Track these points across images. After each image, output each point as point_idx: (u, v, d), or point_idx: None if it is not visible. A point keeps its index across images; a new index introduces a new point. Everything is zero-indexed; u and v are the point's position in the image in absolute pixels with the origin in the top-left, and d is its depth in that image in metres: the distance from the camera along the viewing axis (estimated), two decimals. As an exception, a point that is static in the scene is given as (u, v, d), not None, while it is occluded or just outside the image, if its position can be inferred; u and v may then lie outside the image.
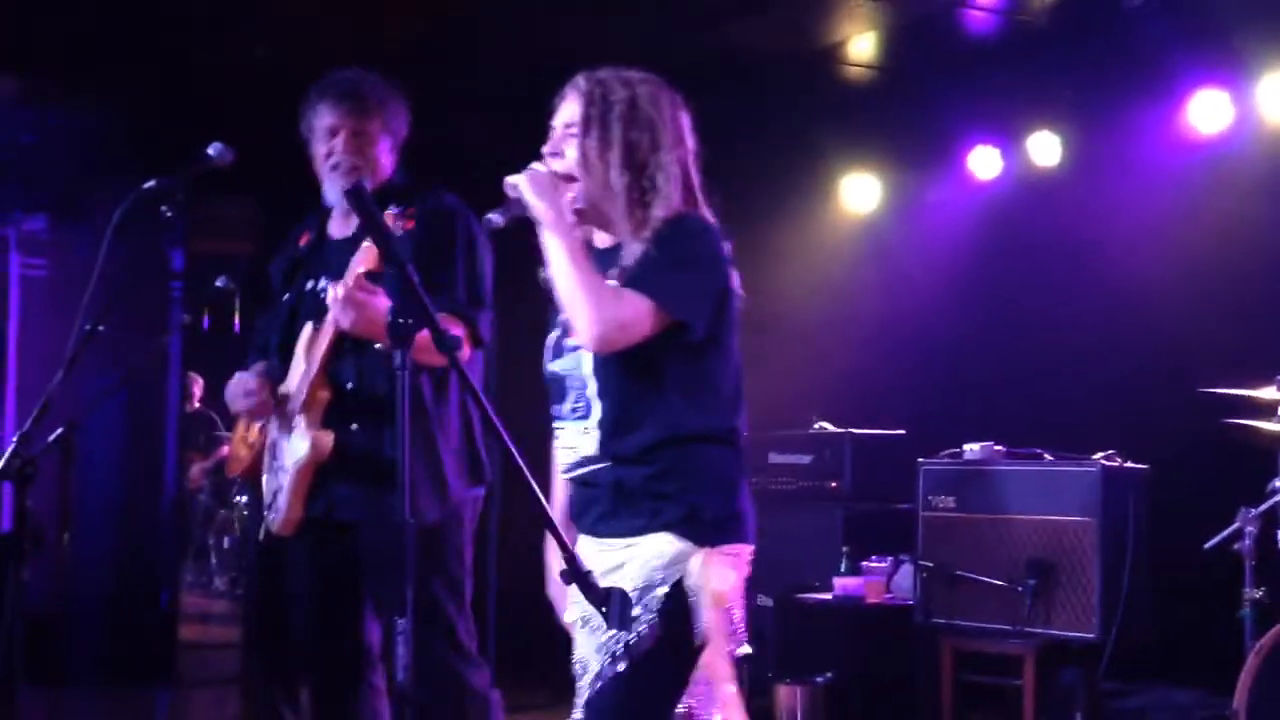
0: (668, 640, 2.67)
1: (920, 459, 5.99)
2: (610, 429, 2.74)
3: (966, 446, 5.92)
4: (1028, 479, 5.65)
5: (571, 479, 2.87)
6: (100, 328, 3.68)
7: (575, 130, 2.76)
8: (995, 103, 7.08)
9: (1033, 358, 6.88)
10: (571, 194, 2.76)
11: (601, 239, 2.86)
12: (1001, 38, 6.67)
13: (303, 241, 3.95)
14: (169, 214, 3.54)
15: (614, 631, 2.65)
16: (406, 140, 3.92)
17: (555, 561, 2.90)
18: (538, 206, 2.70)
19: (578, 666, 2.86)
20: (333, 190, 3.79)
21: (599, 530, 2.81)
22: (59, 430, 4.51)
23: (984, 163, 7.38)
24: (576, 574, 2.55)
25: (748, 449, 2.84)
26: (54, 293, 9.21)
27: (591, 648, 2.78)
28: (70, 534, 4.89)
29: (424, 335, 2.45)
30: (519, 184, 2.73)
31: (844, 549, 6.33)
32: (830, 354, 7.78)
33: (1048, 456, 5.69)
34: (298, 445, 3.67)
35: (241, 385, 3.87)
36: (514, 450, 2.43)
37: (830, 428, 6.85)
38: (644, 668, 2.67)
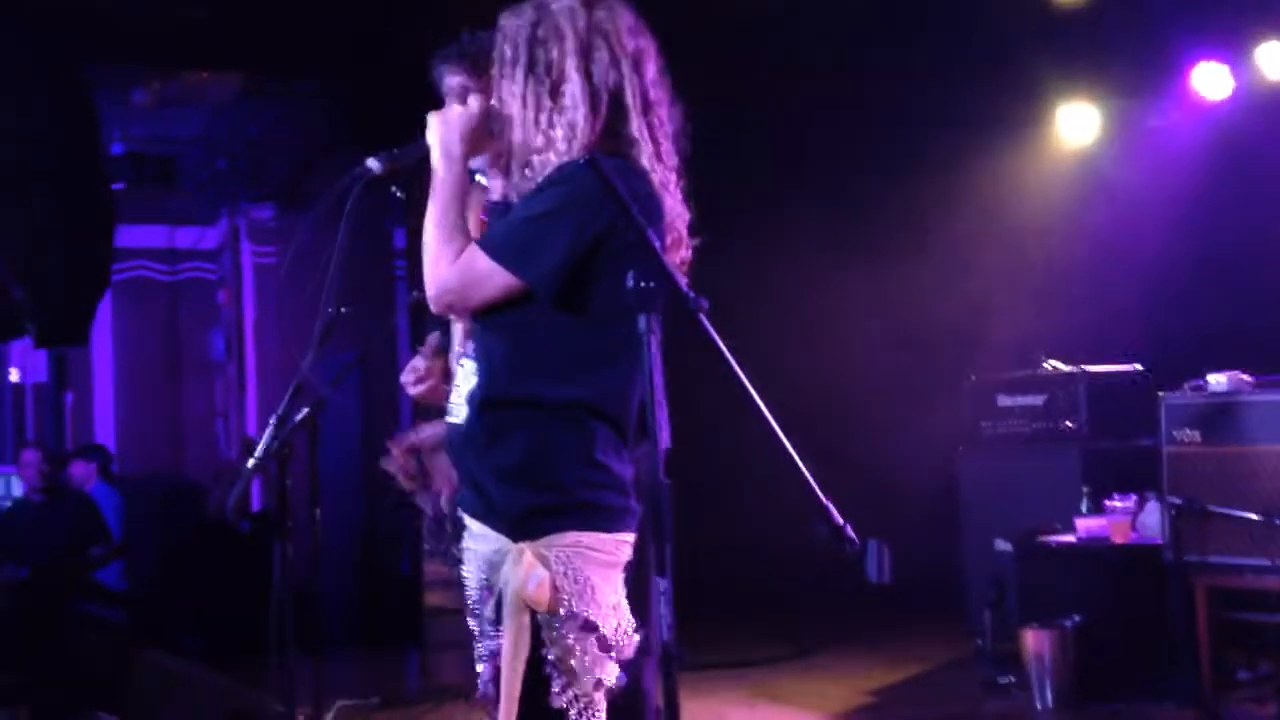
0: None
1: (1161, 393, 5.78)
2: (477, 379, 2.56)
3: (1210, 378, 5.69)
4: (1278, 408, 5.41)
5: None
6: (344, 309, 3.80)
7: (495, 65, 2.61)
8: (1218, 15, 6.77)
9: (1271, 283, 6.58)
10: (490, 144, 2.61)
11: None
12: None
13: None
14: (399, 194, 3.61)
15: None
16: None
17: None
18: (431, 145, 2.58)
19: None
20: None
21: (460, 502, 2.63)
22: (306, 410, 4.68)
23: (1210, 81, 7.06)
24: (831, 527, 2.53)
25: (625, 430, 2.52)
26: (284, 278, 9.58)
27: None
28: (320, 509, 5.07)
29: None
30: (429, 122, 2.61)
31: (1084, 489, 6.16)
32: (1055, 292, 7.60)
33: (1300, 384, 5.43)
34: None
35: (412, 372, 3.79)
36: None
37: (1061, 366, 6.67)
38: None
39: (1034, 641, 5.73)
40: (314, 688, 5.42)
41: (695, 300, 2.58)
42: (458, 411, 2.60)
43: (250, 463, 3.78)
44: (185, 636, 7.65)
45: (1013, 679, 5.97)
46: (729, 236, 8.61)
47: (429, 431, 2.91)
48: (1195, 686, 5.50)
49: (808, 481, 2.57)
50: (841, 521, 2.57)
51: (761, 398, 2.68)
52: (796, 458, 2.61)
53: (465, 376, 2.63)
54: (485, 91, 3.46)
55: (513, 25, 2.59)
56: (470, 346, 2.63)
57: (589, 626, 2.42)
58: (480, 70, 3.64)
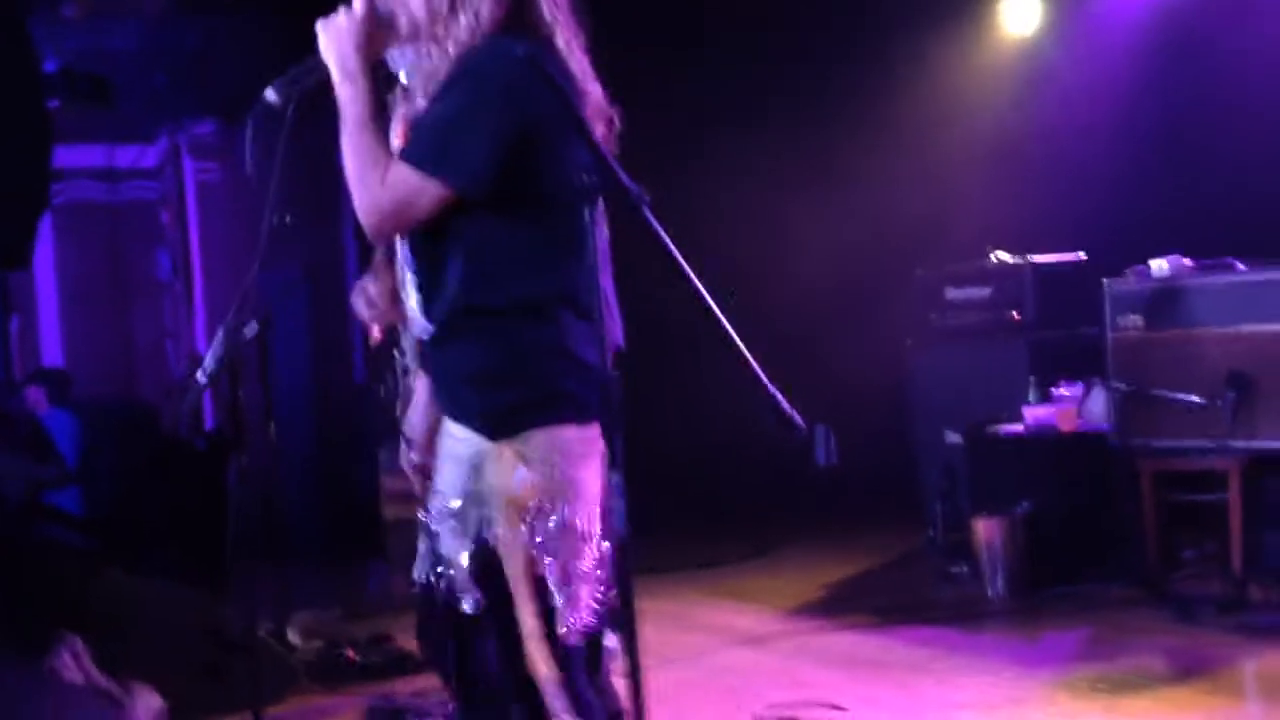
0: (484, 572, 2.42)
1: (1104, 279, 5.84)
2: (422, 292, 2.47)
3: (1152, 262, 5.75)
4: (1220, 291, 5.48)
5: None
6: (287, 219, 3.77)
7: None
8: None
9: (1214, 165, 6.63)
10: (390, 39, 2.44)
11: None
12: None
13: None
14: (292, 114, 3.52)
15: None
16: None
17: (419, 411, 2.73)
18: (329, 59, 2.41)
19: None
20: None
21: (438, 407, 2.56)
22: (254, 324, 4.66)
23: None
24: (779, 414, 2.56)
25: (585, 320, 2.47)
26: (227, 194, 9.47)
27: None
28: (274, 423, 5.07)
29: None
30: (319, 37, 2.42)
31: (1031, 378, 6.24)
32: (998, 183, 7.63)
33: (1240, 266, 5.50)
34: None
35: (360, 294, 3.72)
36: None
37: (1007, 258, 6.73)
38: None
39: (984, 530, 5.84)
40: (276, 599, 5.47)
41: (638, 193, 2.58)
42: (418, 325, 2.53)
43: (199, 376, 3.78)
44: (147, 555, 7.65)
45: (964, 568, 6.10)
46: (676, 143, 8.59)
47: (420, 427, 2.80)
48: (1142, 567, 5.64)
49: (755, 372, 2.60)
50: (788, 408, 2.61)
51: (712, 296, 2.70)
52: (741, 347, 2.64)
53: (413, 290, 2.53)
54: None
55: None
56: (410, 259, 2.51)
57: (569, 524, 2.41)
58: None
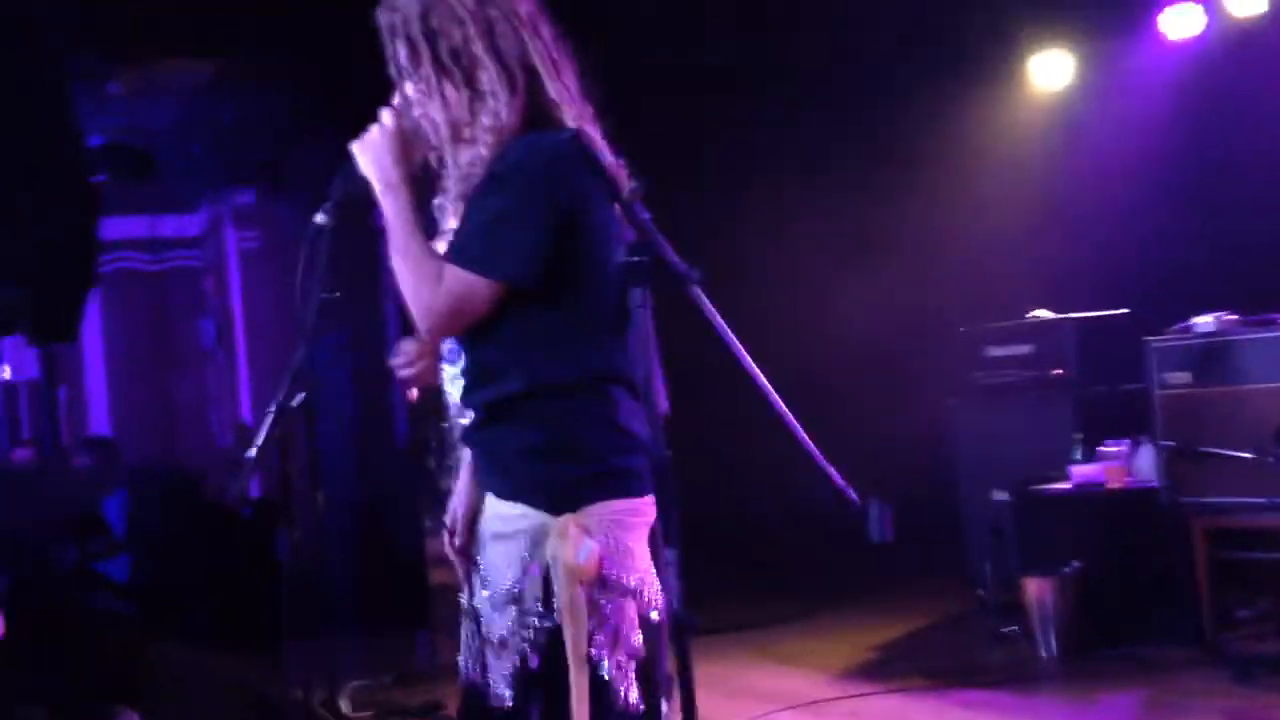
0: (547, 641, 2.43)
1: (1148, 337, 5.82)
2: (470, 379, 2.51)
3: (1196, 319, 5.73)
4: (1267, 346, 5.45)
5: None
6: (336, 294, 3.81)
7: (392, 68, 2.50)
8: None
9: (1254, 220, 6.61)
10: (423, 148, 2.51)
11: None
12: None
13: None
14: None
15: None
16: None
17: (461, 496, 2.64)
18: (370, 174, 2.48)
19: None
20: None
21: (485, 487, 2.55)
22: (301, 395, 4.70)
23: (1181, 20, 7.07)
24: (832, 489, 2.57)
25: (639, 393, 2.51)
26: (268, 262, 9.58)
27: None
28: (322, 492, 5.09)
29: None
30: (355, 154, 2.48)
31: (1077, 436, 6.21)
32: (1037, 240, 7.62)
33: (1286, 320, 5.47)
34: None
35: (401, 355, 3.75)
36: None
37: (1048, 314, 6.71)
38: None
39: (1035, 590, 5.79)
40: (326, 669, 5.48)
41: (688, 271, 2.60)
42: (463, 414, 2.55)
43: (251, 453, 3.80)
44: (194, 625, 7.68)
45: (1016, 628, 6.03)
46: (717, 202, 8.62)
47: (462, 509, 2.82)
48: (1196, 626, 5.57)
49: (807, 446, 2.61)
50: (843, 483, 2.61)
51: (756, 361, 2.71)
52: (794, 422, 2.65)
53: (452, 380, 2.57)
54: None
55: (398, 21, 2.49)
56: (454, 351, 2.56)
57: (629, 593, 2.44)
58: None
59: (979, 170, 8.01)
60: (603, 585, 2.42)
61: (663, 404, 3.48)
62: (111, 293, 10.17)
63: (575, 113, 2.53)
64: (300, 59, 7.67)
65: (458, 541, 2.67)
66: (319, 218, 2.55)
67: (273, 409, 3.81)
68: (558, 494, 2.43)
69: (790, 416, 2.63)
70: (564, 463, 2.44)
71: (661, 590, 2.50)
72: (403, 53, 2.48)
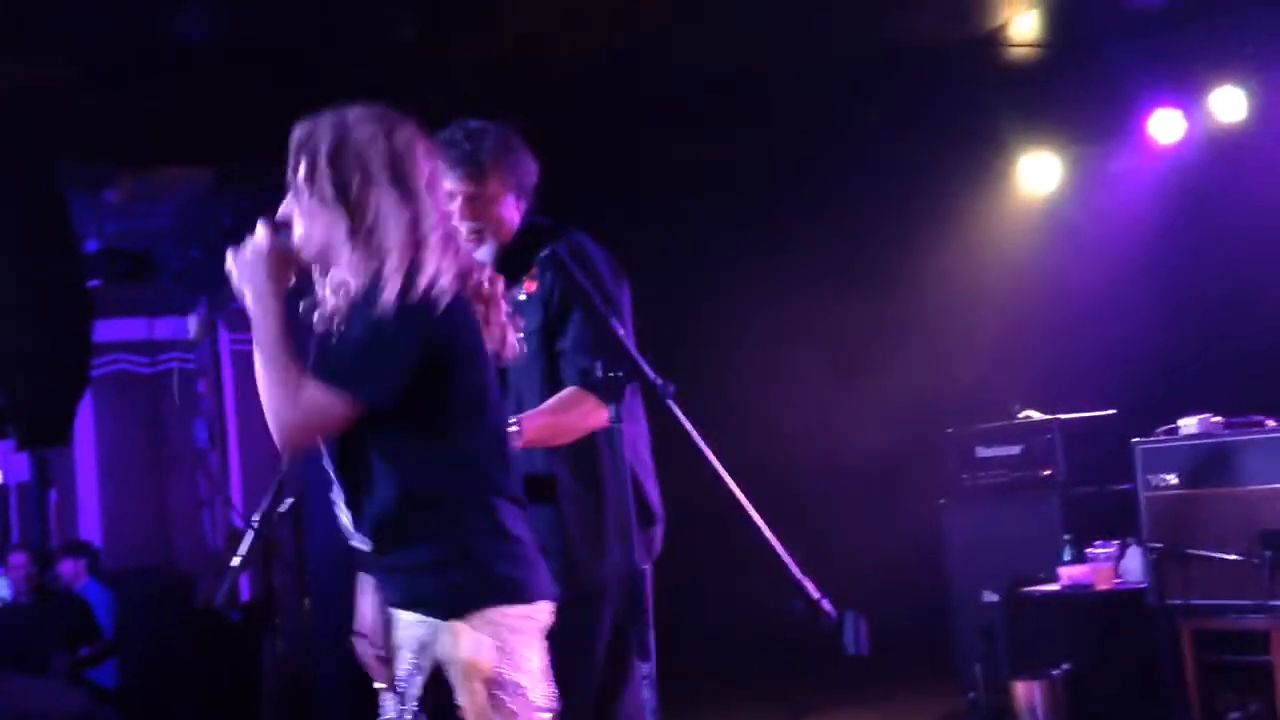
0: None
1: (1135, 439, 5.84)
2: (348, 503, 2.61)
3: (1181, 421, 5.76)
4: (1253, 448, 5.47)
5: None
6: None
7: (290, 176, 2.60)
8: (1173, 63, 6.90)
9: (1238, 323, 6.67)
10: (300, 263, 2.60)
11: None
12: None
13: None
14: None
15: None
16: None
17: (368, 607, 2.74)
18: (242, 289, 2.57)
19: None
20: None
21: (387, 602, 2.64)
22: (290, 501, 4.70)
23: (1166, 126, 7.19)
24: (808, 602, 2.58)
25: (516, 504, 2.61)
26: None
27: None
28: (309, 599, 5.09)
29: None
30: (230, 267, 2.60)
31: (1066, 537, 6.21)
32: (1024, 341, 7.68)
33: (1270, 423, 5.50)
34: None
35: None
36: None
37: (1036, 415, 6.74)
38: None
39: (1024, 692, 5.76)
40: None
41: (663, 386, 2.65)
42: (357, 538, 2.61)
43: (235, 560, 3.81)
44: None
45: (1007, 730, 6.00)
46: (702, 305, 8.63)
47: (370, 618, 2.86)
48: (1187, 729, 5.53)
49: (782, 559, 2.62)
50: (818, 595, 2.62)
51: (740, 470, 2.74)
52: (770, 534, 2.67)
53: (343, 507, 2.63)
54: (477, 195, 3.44)
55: (309, 141, 2.58)
56: (336, 480, 2.62)
57: (520, 691, 2.50)
58: (477, 175, 3.53)
59: (968, 270, 8.08)
60: (499, 684, 2.48)
61: (658, 511, 3.49)
62: (105, 394, 10.20)
63: (455, 268, 2.59)
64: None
65: (371, 650, 2.72)
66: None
67: (259, 515, 3.84)
68: (449, 601, 2.51)
69: (764, 527, 2.65)
70: (453, 571, 2.52)
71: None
72: (303, 170, 2.56)
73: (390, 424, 2.52)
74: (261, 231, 2.58)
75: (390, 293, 2.47)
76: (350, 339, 2.51)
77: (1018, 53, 7.19)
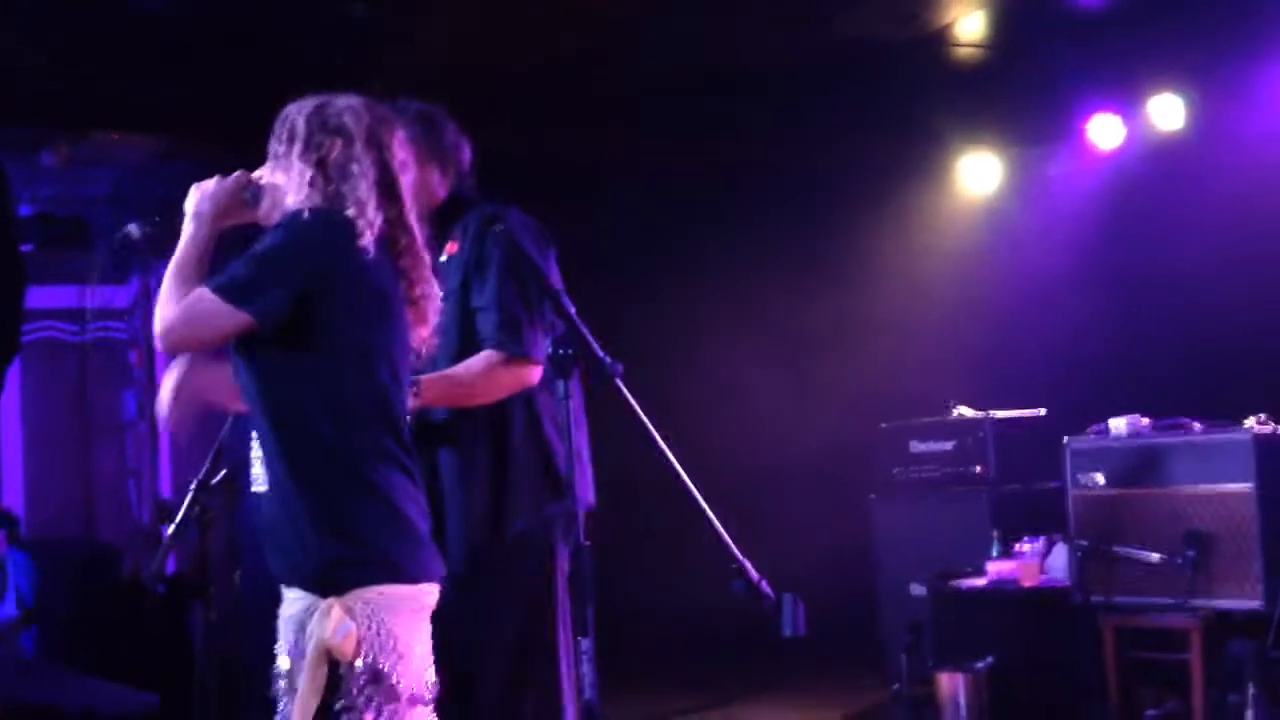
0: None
1: (1065, 437, 5.93)
2: (263, 446, 2.62)
3: (1111, 422, 5.85)
4: (1178, 450, 5.57)
5: None
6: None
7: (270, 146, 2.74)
8: (1112, 69, 7.00)
9: (1170, 327, 6.79)
10: (249, 219, 2.72)
11: None
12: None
13: None
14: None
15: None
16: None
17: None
18: (189, 204, 2.69)
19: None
20: None
21: (272, 570, 2.67)
22: (224, 472, 4.67)
23: (1105, 131, 7.30)
24: (748, 583, 2.61)
25: (404, 474, 2.58)
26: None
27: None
28: (241, 571, 5.04)
29: None
30: (192, 190, 2.74)
31: (994, 533, 6.30)
32: (962, 339, 7.77)
33: (1197, 425, 5.60)
34: None
35: None
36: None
37: (969, 412, 6.83)
38: None
39: (948, 684, 5.84)
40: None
41: (612, 364, 2.66)
42: (260, 479, 2.63)
43: (170, 530, 3.78)
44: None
45: (930, 722, 6.07)
46: (641, 295, 8.65)
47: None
48: (1106, 724, 5.63)
49: (724, 539, 2.65)
50: (757, 577, 2.65)
51: (679, 454, 2.76)
52: (711, 516, 2.69)
53: (256, 449, 2.64)
54: None
55: (293, 119, 2.72)
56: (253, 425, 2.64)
57: (380, 678, 2.46)
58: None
59: (910, 266, 8.16)
60: (354, 667, 2.45)
61: (588, 497, 3.50)
62: (33, 362, 10.04)
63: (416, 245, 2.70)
64: (239, 142, 7.69)
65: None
66: (131, 227, 2.83)
67: (194, 486, 3.80)
68: (324, 575, 2.49)
69: (708, 509, 2.68)
70: (332, 543, 2.49)
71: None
72: (282, 139, 2.70)
73: (279, 367, 2.54)
74: (238, 174, 2.71)
75: (291, 220, 2.58)
76: (248, 254, 2.58)
77: (963, 53, 7.25)
